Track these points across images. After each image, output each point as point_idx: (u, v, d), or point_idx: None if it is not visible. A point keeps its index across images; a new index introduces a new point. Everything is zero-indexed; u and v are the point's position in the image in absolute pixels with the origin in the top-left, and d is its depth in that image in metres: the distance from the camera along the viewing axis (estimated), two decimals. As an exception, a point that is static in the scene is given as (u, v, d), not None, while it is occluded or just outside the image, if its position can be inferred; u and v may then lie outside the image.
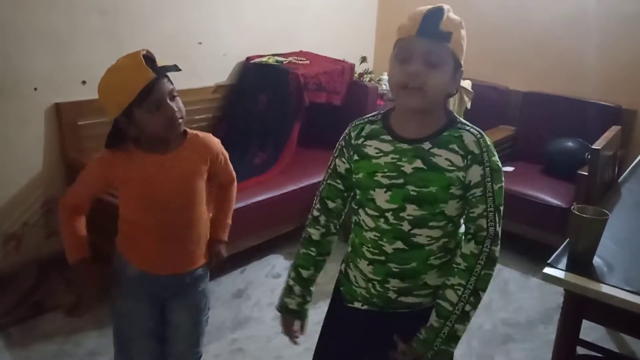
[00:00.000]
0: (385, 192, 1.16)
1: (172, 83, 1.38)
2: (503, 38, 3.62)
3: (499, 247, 1.16)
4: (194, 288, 1.56)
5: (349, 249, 1.31)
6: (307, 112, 3.14)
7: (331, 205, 1.31)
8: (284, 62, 3.22)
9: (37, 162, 2.51)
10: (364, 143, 1.21)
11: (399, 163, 1.15)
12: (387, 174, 1.16)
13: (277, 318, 2.45)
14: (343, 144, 1.26)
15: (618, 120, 3.01)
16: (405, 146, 1.16)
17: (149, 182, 1.40)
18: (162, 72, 1.34)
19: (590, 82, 3.31)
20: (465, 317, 1.16)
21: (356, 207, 1.25)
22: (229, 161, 1.59)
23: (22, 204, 2.51)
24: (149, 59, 1.34)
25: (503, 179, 1.16)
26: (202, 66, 3.07)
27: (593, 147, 2.03)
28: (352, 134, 1.24)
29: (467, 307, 1.15)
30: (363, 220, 1.22)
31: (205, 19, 3.05)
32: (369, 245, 1.21)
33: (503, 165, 3.37)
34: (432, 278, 1.20)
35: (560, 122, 3.29)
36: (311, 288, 1.36)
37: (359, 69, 3.70)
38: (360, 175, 1.20)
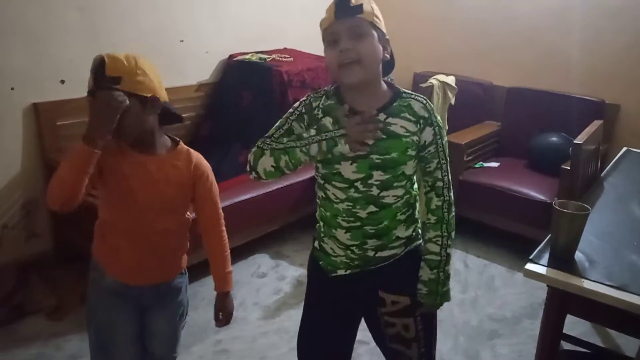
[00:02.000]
0: (351, 164, 1.26)
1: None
2: (487, 33, 3.62)
3: (452, 191, 1.34)
4: (171, 299, 1.54)
5: (320, 224, 1.39)
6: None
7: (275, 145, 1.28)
8: (267, 60, 3.19)
9: (16, 163, 2.47)
10: (322, 119, 1.28)
11: None
12: None
13: (262, 318, 2.46)
14: (303, 110, 1.31)
15: (601, 115, 3.03)
16: None
17: (132, 178, 1.38)
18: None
19: (574, 77, 3.32)
20: (449, 258, 1.35)
21: (322, 182, 1.32)
22: (217, 195, 1.53)
23: (0, 206, 2.46)
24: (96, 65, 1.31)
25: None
26: (185, 64, 3.04)
27: (575, 141, 2.03)
28: (314, 104, 1.30)
29: (448, 250, 1.35)
30: (333, 194, 1.31)
31: (187, 16, 3.01)
32: (344, 215, 1.30)
33: (488, 161, 3.39)
34: (401, 231, 1.34)
35: (545, 117, 3.30)
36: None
37: (343, 65, 3.68)
38: None
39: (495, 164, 3.24)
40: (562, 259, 1.48)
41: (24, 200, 2.52)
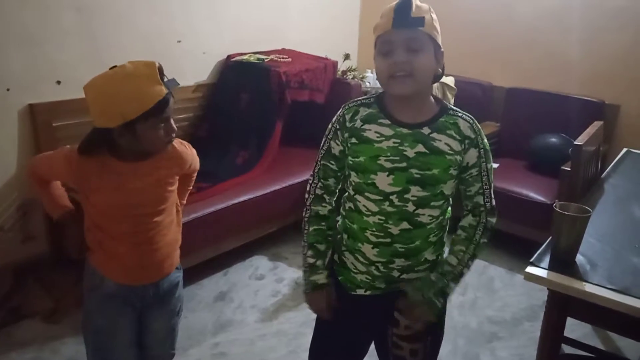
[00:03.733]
0: (388, 175, 1.21)
1: None
2: (486, 34, 3.61)
3: (495, 217, 1.31)
4: (171, 295, 1.55)
5: (343, 236, 1.34)
6: (290, 110, 3.10)
7: (325, 183, 1.34)
8: (265, 60, 3.17)
9: (11, 165, 2.45)
10: (363, 127, 1.23)
11: (400, 147, 1.20)
12: (390, 157, 1.20)
13: (260, 320, 2.45)
14: (337, 126, 1.28)
15: (601, 116, 3.01)
16: (405, 130, 1.21)
17: (122, 189, 1.36)
18: (170, 87, 1.30)
19: (574, 77, 3.31)
20: (458, 277, 1.29)
21: (353, 194, 1.28)
22: (196, 169, 1.59)
23: (-4, 208, 2.45)
24: (160, 72, 1.29)
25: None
26: (182, 65, 3.02)
27: (575, 142, 2.02)
28: (347, 117, 1.26)
29: (464, 270, 1.29)
30: (364, 206, 1.25)
31: (185, 17, 2.99)
32: (374, 229, 1.25)
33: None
34: (429, 253, 1.29)
35: (544, 118, 3.28)
36: (327, 263, 1.38)
37: (342, 66, 3.66)
38: (362, 159, 1.23)
39: (494, 165, 3.21)
40: (563, 262, 1.47)
41: (20, 202, 2.50)
